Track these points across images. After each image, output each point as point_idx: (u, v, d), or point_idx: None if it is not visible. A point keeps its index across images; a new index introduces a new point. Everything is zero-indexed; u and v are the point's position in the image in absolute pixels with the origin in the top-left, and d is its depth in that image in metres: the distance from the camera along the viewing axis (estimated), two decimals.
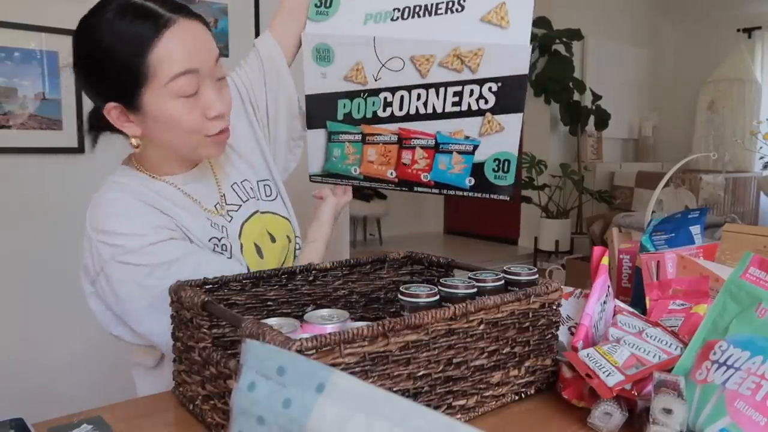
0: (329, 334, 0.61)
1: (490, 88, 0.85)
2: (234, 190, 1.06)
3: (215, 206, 1.02)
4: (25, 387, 1.84)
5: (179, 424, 0.76)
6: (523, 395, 0.82)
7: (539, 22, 4.92)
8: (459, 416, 0.75)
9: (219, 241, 0.99)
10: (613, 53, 5.65)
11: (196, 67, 0.85)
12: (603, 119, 5.16)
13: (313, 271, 0.94)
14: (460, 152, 0.91)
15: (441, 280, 0.80)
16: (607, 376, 0.73)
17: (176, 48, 0.83)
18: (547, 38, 4.92)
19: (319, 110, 0.98)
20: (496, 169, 0.91)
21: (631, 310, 0.91)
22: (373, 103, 0.92)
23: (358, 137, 0.97)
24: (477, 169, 0.92)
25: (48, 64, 1.81)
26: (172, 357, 0.83)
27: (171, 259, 0.90)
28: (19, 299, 1.84)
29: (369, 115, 0.94)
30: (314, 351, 0.59)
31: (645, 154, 6.07)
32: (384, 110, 0.92)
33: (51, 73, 1.82)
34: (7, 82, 1.76)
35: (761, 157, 3.59)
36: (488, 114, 0.87)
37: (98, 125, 0.96)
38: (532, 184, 4.90)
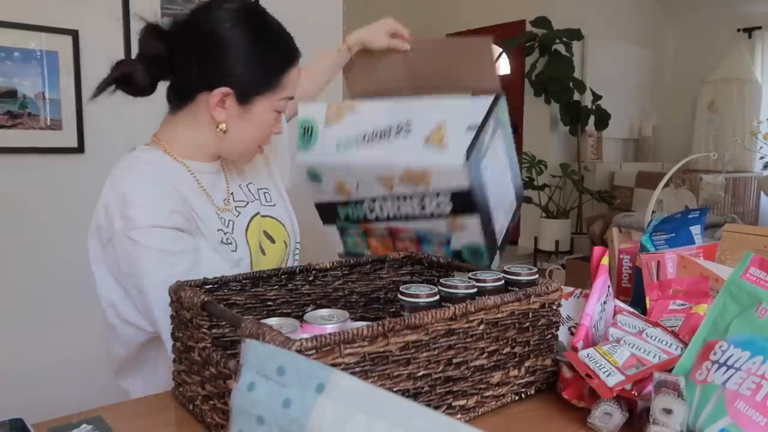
0: (329, 334, 0.61)
1: (443, 200, 0.95)
2: (241, 189, 1.11)
3: (224, 201, 1.06)
4: (25, 387, 1.84)
5: (179, 424, 0.76)
6: (523, 395, 0.82)
7: (539, 22, 4.92)
8: (459, 416, 0.75)
9: (224, 235, 1.01)
10: (613, 53, 5.65)
11: (293, 96, 1.02)
12: (603, 119, 5.16)
13: (313, 271, 0.94)
14: (438, 243, 1.02)
15: (441, 280, 0.80)
16: (607, 376, 0.73)
17: (295, 80, 1.00)
18: (547, 38, 4.91)
19: (327, 214, 1.12)
20: (471, 254, 1.00)
21: (631, 310, 0.91)
22: (360, 209, 1.06)
23: (361, 232, 1.11)
24: (456, 254, 1.02)
25: (48, 64, 1.81)
26: (151, 350, 0.88)
27: (168, 250, 0.91)
28: (19, 299, 1.84)
29: (362, 218, 1.07)
30: (314, 351, 0.59)
31: (645, 154, 6.07)
32: (371, 214, 1.05)
33: (51, 73, 1.82)
34: (7, 82, 1.75)
35: (761, 157, 3.59)
36: (450, 215, 0.96)
37: (160, 75, 1.01)
38: (532, 184, 4.90)
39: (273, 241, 1.12)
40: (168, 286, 0.79)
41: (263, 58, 0.96)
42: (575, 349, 0.80)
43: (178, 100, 1.01)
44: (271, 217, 1.14)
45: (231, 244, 1.01)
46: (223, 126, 0.99)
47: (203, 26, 0.96)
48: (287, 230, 1.16)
